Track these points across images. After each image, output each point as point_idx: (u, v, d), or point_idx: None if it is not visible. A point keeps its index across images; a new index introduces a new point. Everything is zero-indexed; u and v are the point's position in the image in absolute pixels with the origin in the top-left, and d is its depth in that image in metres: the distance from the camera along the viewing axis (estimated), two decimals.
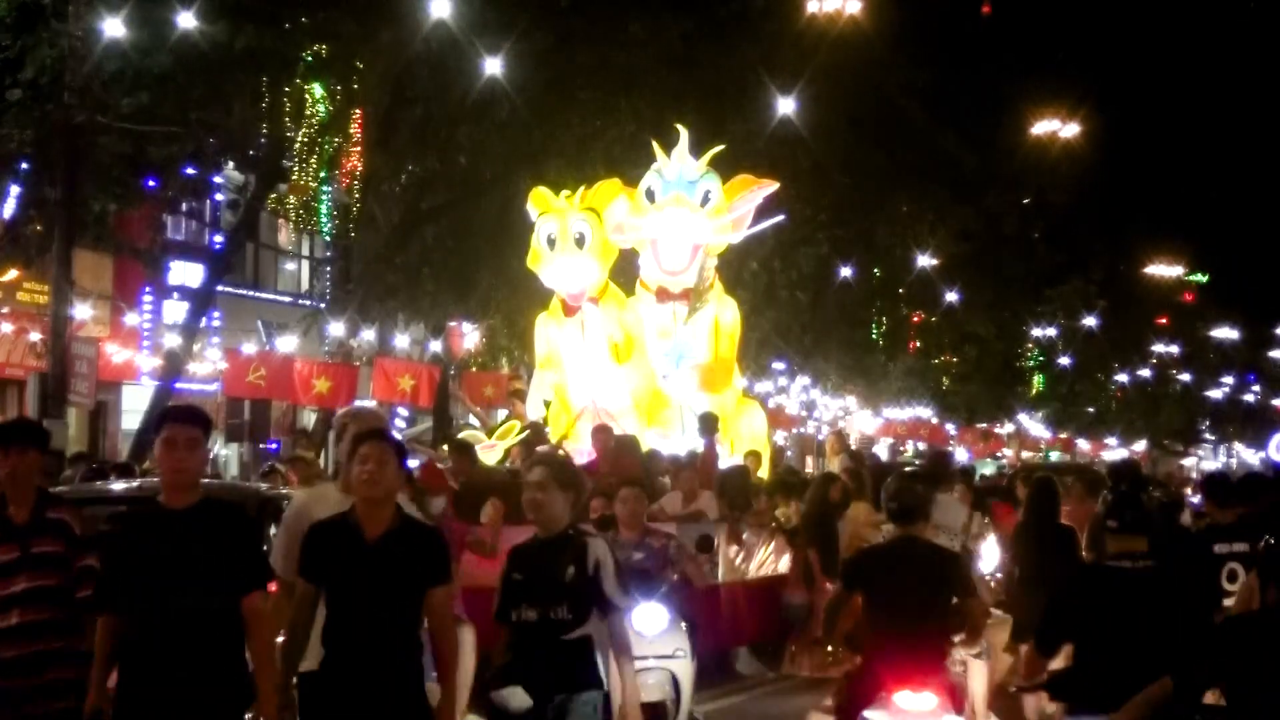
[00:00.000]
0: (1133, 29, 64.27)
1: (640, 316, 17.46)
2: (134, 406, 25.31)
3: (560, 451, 14.20)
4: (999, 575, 12.50)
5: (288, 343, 26.26)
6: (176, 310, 25.98)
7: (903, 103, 35.99)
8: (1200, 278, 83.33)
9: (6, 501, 6.73)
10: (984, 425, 58.27)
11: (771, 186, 17.93)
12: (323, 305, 27.30)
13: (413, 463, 19.42)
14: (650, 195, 17.35)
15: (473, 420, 25.51)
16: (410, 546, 6.20)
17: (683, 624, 9.94)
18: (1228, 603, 8.58)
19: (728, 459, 16.34)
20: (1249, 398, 79.92)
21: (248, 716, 6.16)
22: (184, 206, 25.07)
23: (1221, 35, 67.83)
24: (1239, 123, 70.00)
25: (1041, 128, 49.46)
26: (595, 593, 6.63)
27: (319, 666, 6.20)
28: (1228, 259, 77.18)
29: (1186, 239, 71.64)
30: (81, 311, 20.98)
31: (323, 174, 26.18)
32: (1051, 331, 58.18)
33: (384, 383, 24.49)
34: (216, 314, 27.46)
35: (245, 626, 5.97)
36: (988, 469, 36.70)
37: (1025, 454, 59.55)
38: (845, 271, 38.21)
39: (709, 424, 15.84)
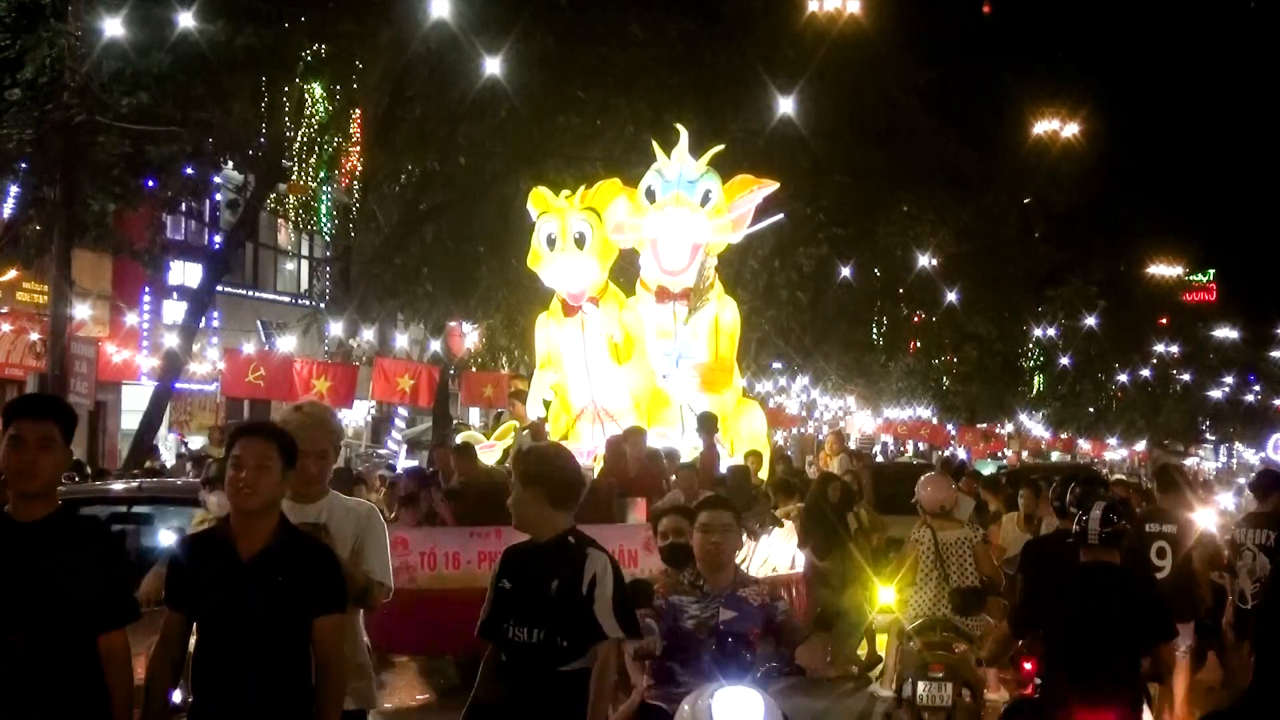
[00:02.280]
0: (1133, 29, 64.37)
1: (640, 316, 17.38)
2: (133, 406, 25.30)
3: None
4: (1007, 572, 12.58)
5: (287, 343, 26.26)
6: (176, 310, 25.99)
7: (903, 102, 35.91)
8: (1202, 277, 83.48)
9: None
10: (984, 425, 58.30)
11: (771, 186, 17.83)
12: (322, 305, 27.29)
13: (411, 463, 19.43)
14: (650, 195, 17.26)
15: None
16: (293, 567, 5.11)
17: None
18: (1160, 575, 10.19)
19: (728, 459, 16.29)
20: (1249, 398, 79.96)
21: None
22: (183, 206, 25.05)
23: (1221, 36, 67.90)
24: (1239, 123, 70.08)
25: (1042, 127, 49.41)
26: (585, 615, 5.54)
27: (188, 713, 5.23)
28: (1228, 259, 77.31)
29: (1187, 239, 71.77)
30: (81, 311, 20.98)
31: (322, 174, 26.18)
32: (1051, 331, 58.19)
33: (384, 383, 24.46)
34: (215, 314, 27.45)
35: (103, 670, 4.91)
36: (988, 469, 36.64)
37: (1025, 454, 59.55)
38: (845, 271, 38.20)
39: (709, 424, 15.76)
